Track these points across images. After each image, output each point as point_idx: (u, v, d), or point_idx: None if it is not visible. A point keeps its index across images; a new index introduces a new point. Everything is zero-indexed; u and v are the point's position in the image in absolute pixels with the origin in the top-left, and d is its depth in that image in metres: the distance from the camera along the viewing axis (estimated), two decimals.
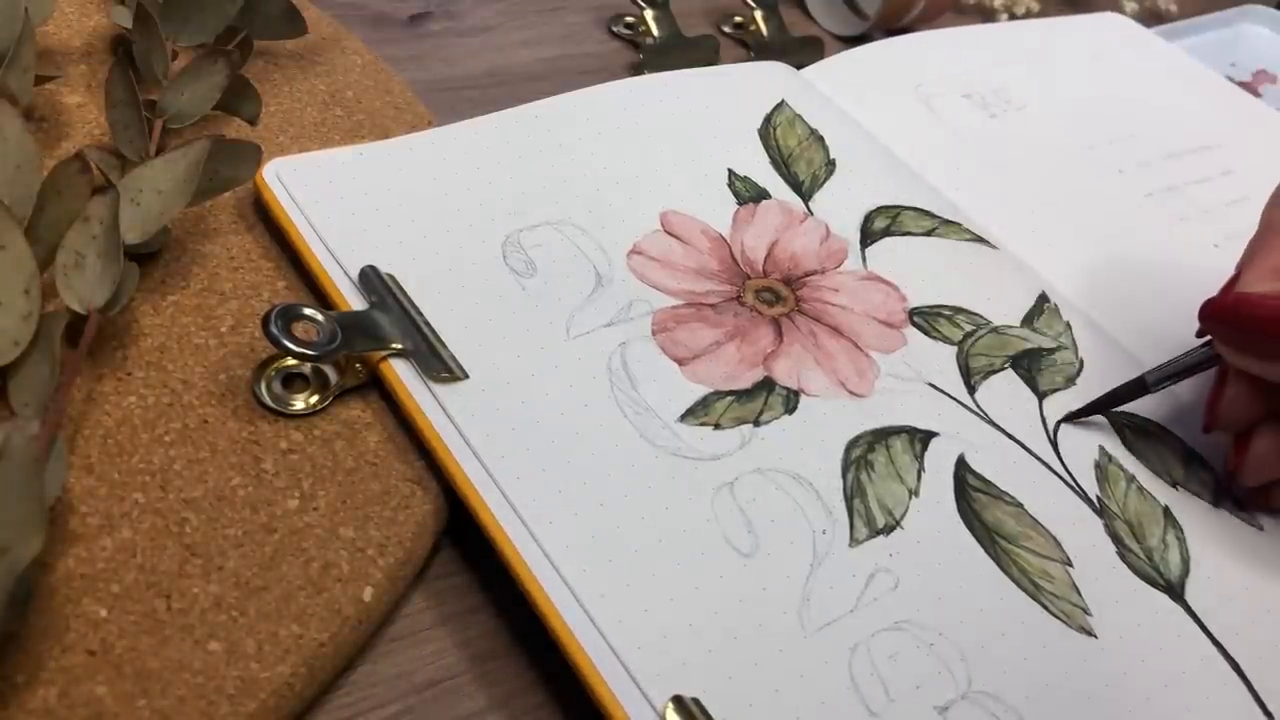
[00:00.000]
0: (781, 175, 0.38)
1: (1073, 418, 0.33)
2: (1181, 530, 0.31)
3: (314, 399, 0.28)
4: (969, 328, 0.35)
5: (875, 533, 0.28)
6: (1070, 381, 0.34)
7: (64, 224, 0.26)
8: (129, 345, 0.28)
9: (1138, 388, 0.32)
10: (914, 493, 0.29)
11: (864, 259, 0.36)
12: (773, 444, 0.29)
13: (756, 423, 0.30)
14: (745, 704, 0.24)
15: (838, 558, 0.27)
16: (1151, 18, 0.61)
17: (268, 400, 0.28)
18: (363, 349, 0.28)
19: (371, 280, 0.30)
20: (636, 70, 0.46)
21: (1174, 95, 0.50)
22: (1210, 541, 0.31)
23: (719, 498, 0.28)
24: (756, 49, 0.48)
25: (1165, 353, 0.36)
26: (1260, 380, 0.29)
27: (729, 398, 0.30)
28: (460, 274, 0.31)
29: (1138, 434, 0.33)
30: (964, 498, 0.29)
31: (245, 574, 0.24)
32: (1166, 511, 0.31)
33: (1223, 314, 0.29)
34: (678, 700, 0.23)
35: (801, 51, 0.48)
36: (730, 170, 0.38)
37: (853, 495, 0.29)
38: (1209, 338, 0.30)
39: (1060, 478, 0.31)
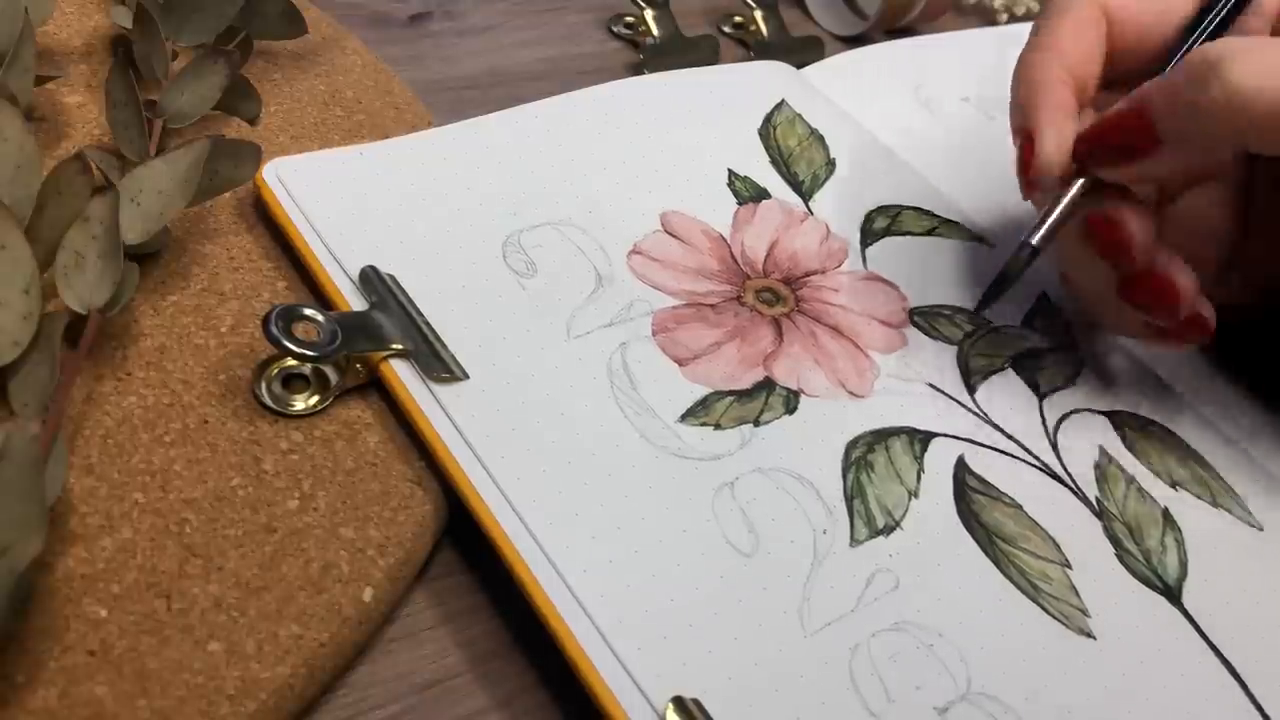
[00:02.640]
0: (781, 175, 0.38)
1: (981, 306, 0.33)
2: (1180, 532, 0.31)
3: (314, 399, 0.28)
4: (969, 328, 0.35)
5: (875, 533, 0.28)
6: (1070, 381, 0.34)
7: (64, 224, 0.26)
8: (129, 345, 0.28)
9: (1029, 254, 0.31)
10: (913, 494, 0.29)
11: (864, 259, 0.36)
12: (773, 444, 0.29)
13: (756, 423, 0.30)
14: (745, 704, 0.24)
15: (838, 558, 0.27)
16: None
17: (268, 400, 0.28)
18: (363, 349, 0.28)
19: (372, 280, 0.30)
20: (636, 70, 0.46)
21: None
22: (1209, 543, 0.31)
23: (719, 498, 0.28)
24: (756, 49, 0.48)
25: (1165, 351, 0.37)
26: (1142, 205, 0.31)
27: (729, 398, 0.30)
28: (460, 274, 0.31)
29: (1138, 435, 0.33)
30: (963, 499, 0.30)
31: (245, 574, 0.24)
32: (1165, 513, 0.31)
33: (1094, 136, 0.31)
34: (678, 700, 0.23)
35: (801, 51, 0.48)
36: (730, 170, 0.38)
37: (853, 496, 0.29)
38: (1064, 190, 0.31)
39: (1059, 479, 0.31)
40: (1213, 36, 0.32)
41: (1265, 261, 0.34)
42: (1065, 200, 0.31)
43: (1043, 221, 0.31)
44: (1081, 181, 0.31)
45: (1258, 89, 0.27)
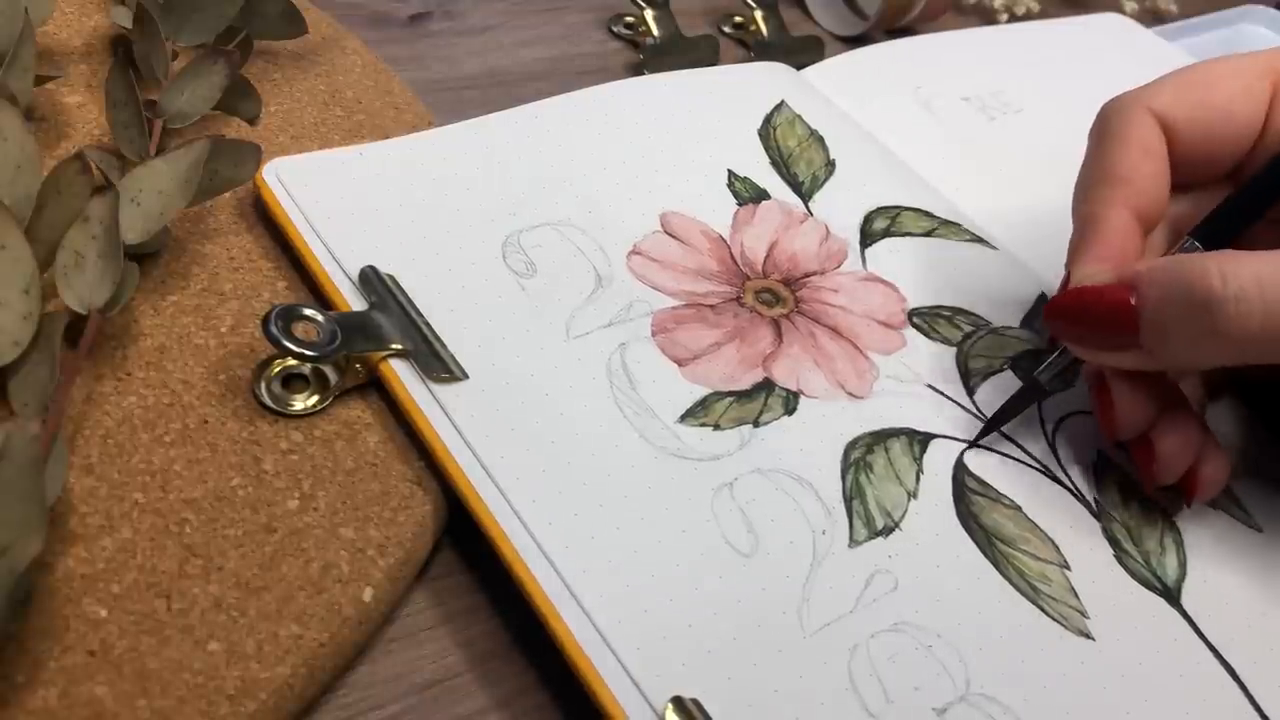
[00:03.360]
0: (781, 176, 0.38)
1: (975, 441, 0.31)
2: (1179, 533, 0.31)
3: (314, 399, 0.28)
4: (968, 329, 0.35)
5: (874, 534, 0.28)
6: (1069, 383, 0.34)
7: (64, 224, 0.26)
8: (129, 345, 0.28)
9: (1036, 392, 0.31)
10: (913, 495, 0.29)
11: (864, 260, 0.36)
12: (772, 445, 0.29)
13: (756, 423, 0.30)
14: (744, 704, 0.24)
15: (837, 559, 0.27)
16: (1151, 18, 0.61)
17: (268, 401, 0.28)
18: (363, 349, 0.28)
19: (371, 281, 0.30)
20: (636, 70, 0.46)
21: None
22: (1208, 544, 0.31)
23: (718, 498, 0.28)
24: (756, 49, 0.48)
25: None
26: (1143, 376, 0.29)
27: (728, 398, 0.30)
28: (460, 274, 0.31)
29: None
30: (962, 500, 0.30)
31: (245, 574, 0.24)
32: (1164, 514, 0.31)
33: (1064, 310, 0.29)
34: (677, 701, 0.23)
35: (801, 51, 0.48)
36: (730, 171, 0.38)
37: (852, 496, 0.29)
38: None
39: (1058, 480, 0.31)
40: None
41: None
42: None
43: (1058, 360, 0.31)
44: None
45: (1259, 323, 0.25)
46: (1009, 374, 0.34)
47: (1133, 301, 0.27)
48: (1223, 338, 0.26)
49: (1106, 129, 0.31)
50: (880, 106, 0.44)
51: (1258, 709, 0.27)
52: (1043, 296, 0.37)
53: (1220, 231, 0.30)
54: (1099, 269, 0.29)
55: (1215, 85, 0.31)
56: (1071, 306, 0.29)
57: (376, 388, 0.29)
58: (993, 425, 0.31)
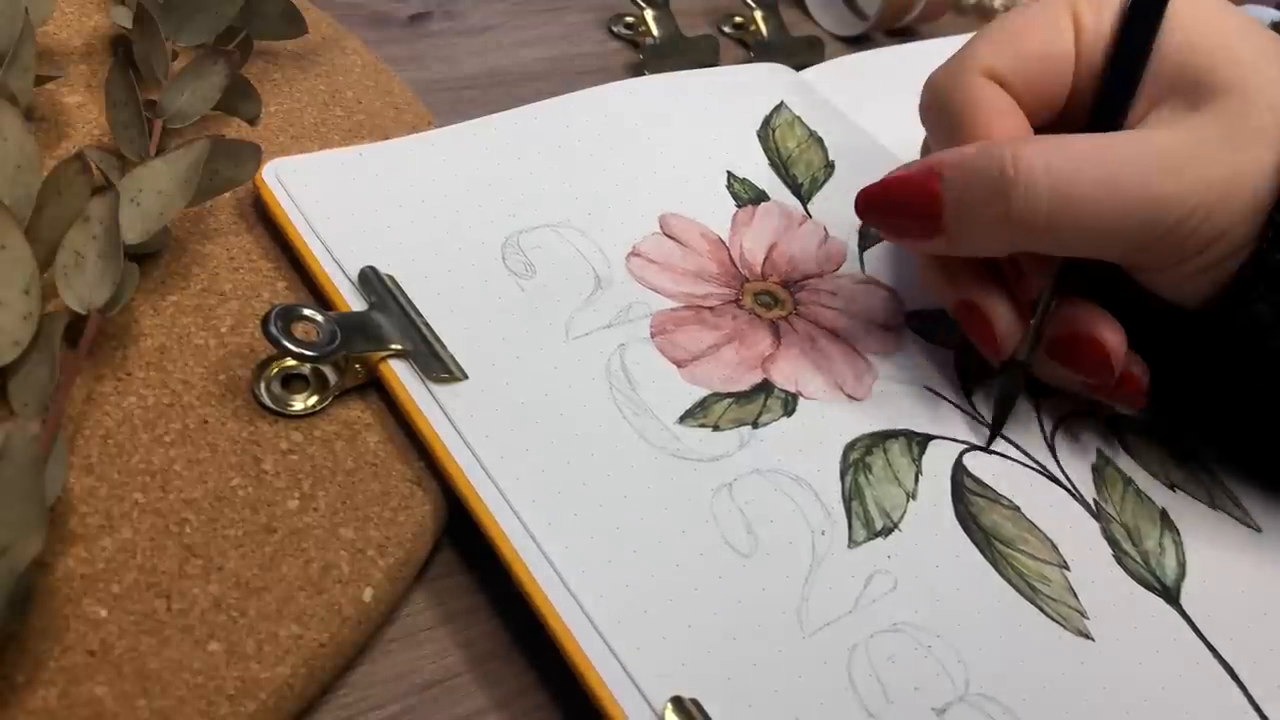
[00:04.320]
0: (781, 177, 0.38)
1: (988, 445, 0.31)
2: (1178, 533, 0.31)
3: (314, 400, 0.28)
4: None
5: (873, 535, 0.28)
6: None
7: (64, 224, 0.26)
8: (129, 345, 0.28)
9: (1021, 371, 0.31)
10: (912, 495, 0.29)
11: (862, 262, 0.36)
12: (771, 446, 0.29)
13: (755, 424, 0.30)
14: (744, 704, 0.24)
15: (836, 559, 0.27)
16: None
17: (267, 401, 0.28)
18: (362, 350, 0.28)
19: (371, 281, 0.30)
20: (636, 70, 0.46)
21: None
22: (1207, 544, 0.31)
23: (718, 499, 0.28)
24: (756, 49, 0.48)
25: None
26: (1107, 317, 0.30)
27: (728, 400, 0.30)
28: (460, 275, 0.31)
29: (1136, 436, 0.33)
30: (961, 501, 0.30)
31: (245, 574, 0.24)
32: (1164, 514, 0.31)
33: (874, 199, 0.30)
34: (677, 701, 0.23)
35: (801, 51, 0.48)
36: (729, 172, 0.38)
37: (851, 497, 0.29)
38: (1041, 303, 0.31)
39: (1057, 481, 0.31)
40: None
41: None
42: (1039, 311, 0.31)
43: (1031, 330, 0.31)
44: (1049, 289, 0.30)
45: (1046, 208, 0.27)
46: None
47: (938, 189, 0.28)
48: (1015, 224, 0.27)
49: (951, 103, 0.31)
50: (880, 108, 0.44)
51: (1257, 709, 0.27)
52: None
53: None
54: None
55: (1025, 34, 0.31)
56: (880, 195, 0.30)
57: (376, 388, 0.29)
58: (998, 425, 0.32)
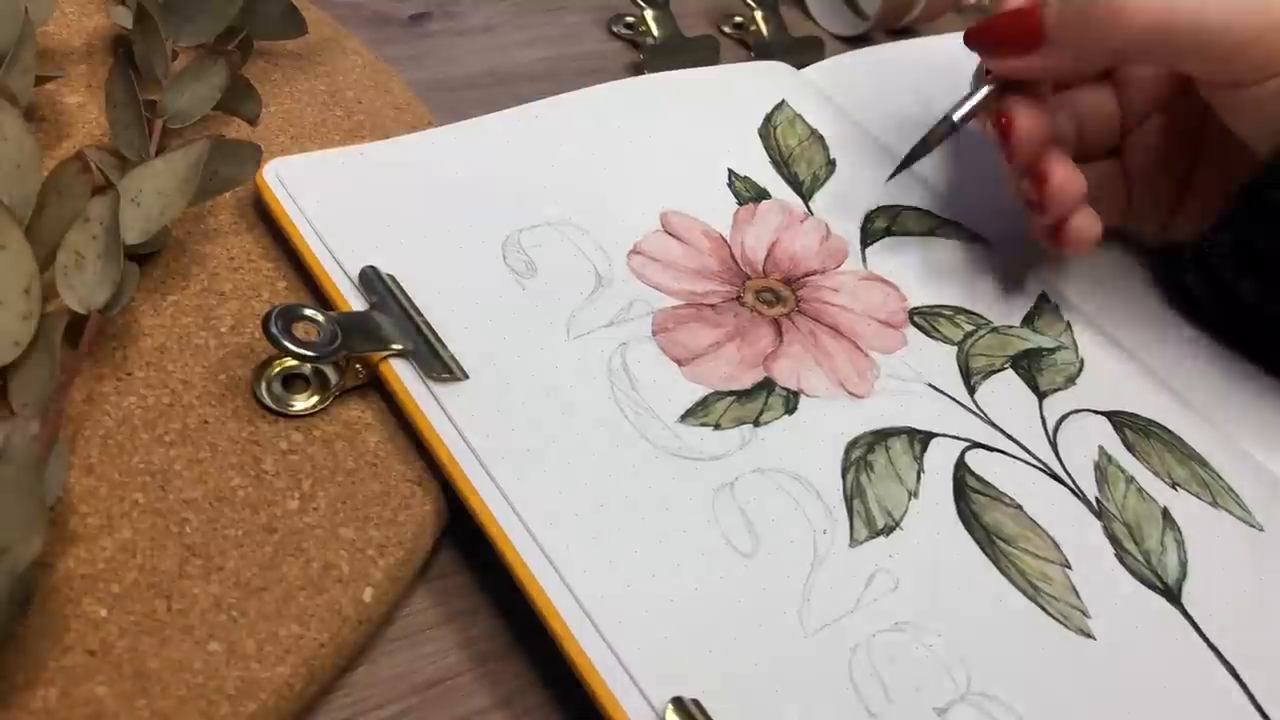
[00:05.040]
0: (782, 175, 0.38)
1: (894, 174, 0.36)
2: (1180, 532, 0.31)
3: (314, 399, 0.28)
4: (969, 328, 0.35)
5: (875, 533, 0.28)
6: (1070, 381, 0.34)
7: (64, 224, 0.26)
8: (129, 345, 0.28)
9: (947, 126, 0.35)
10: (913, 494, 0.29)
11: (864, 259, 0.36)
12: (773, 444, 0.29)
13: (756, 423, 0.30)
14: (745, 704, 0.24)
15: (838, 558, 0.27)
16: None
17: (268, 401, 0.28)
18: (363, 349, 0.28)
19: (371, 281, 0.30)
20: (636, 70, 0.46)
21: None
22: (1209, 543, 0.31)
23: (719, 498, 0.28)
24: (756, 49, 0.48)
25: (1166, 350, 0.37)
26: (1038, 104, 0.33)
27: (729, 398, 0.30)
28: (460, 274, 0.31)
29: (1138, 434, 0.33)
30: (963, 499, 0.30)
31: (245, 574, 0.24)
32: (1165, 513, 0.31)
33: (981, 31, 0.34)
34: (677, 701, 0.23)
35: (801, 51, 0.48)
36: (730, 170, 0.38)
37: (852, 496, 0.29)
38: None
39: (1059, 479, 0.31)
40: None
41: (1214, 191, 0.36)
42: (987, 84, 0.34)
43: (965, 101, 0.35)
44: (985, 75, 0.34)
45: (1139, 7, 0.29)
46: (1011, 373, 0.34)
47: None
48: (1112, 17, 0.30)
49: None
50: (880, 106, 0.44)
51: (1258, 708, 0.27)
52: (1043, 295, 0.37)
53: None
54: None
55: None
56: (992, 23, 0.33)
57: (376, 388, 0.29)
58: (907, 162, 0.35)
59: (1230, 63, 0.30)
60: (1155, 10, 0.29)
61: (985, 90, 0.34)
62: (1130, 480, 0.31)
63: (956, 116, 0.35)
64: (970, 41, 0.34)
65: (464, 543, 0.28)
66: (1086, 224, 0.34)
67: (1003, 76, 0.34)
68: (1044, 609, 0.28)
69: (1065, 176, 0.33)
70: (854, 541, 0.28)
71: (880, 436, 0.30)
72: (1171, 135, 0.37)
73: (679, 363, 0.31)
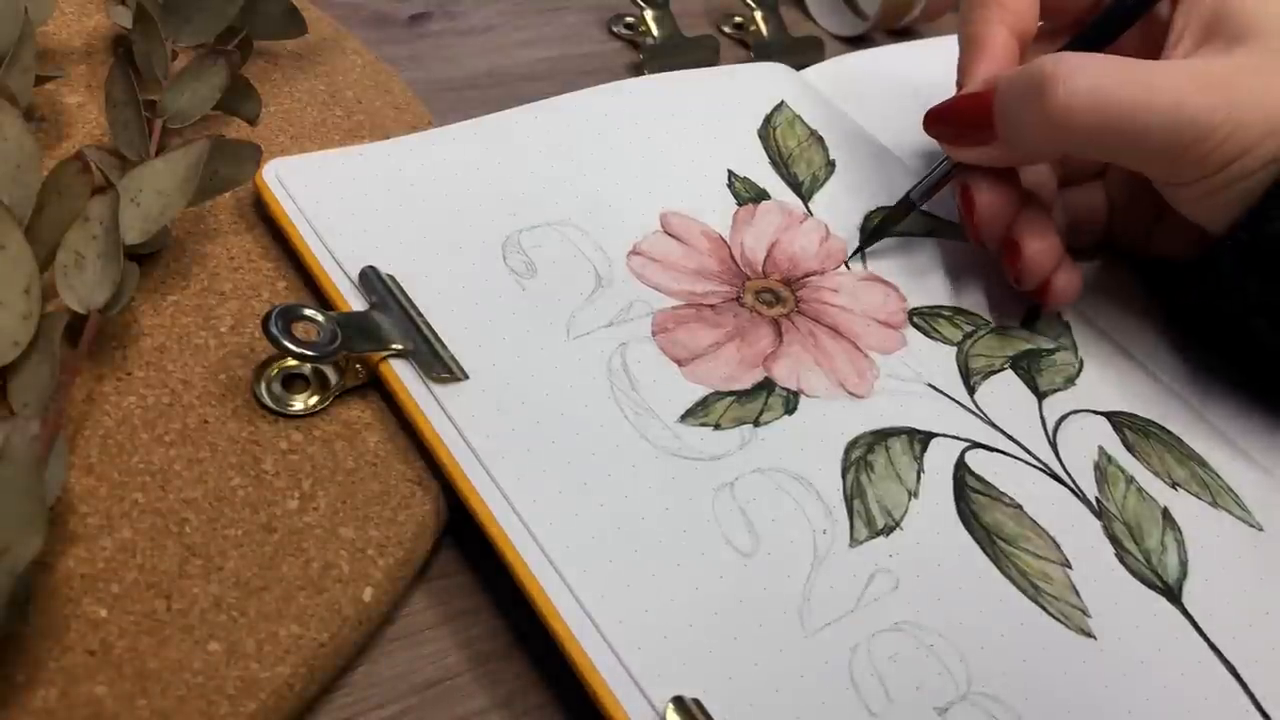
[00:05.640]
0: (781, 176, 0.38)
1: (852, 255, 0.36)
2: (1180, 532, 0.31)
3: (314, 399, 0.28)
4: (969, 328, 0.35)
5: (875, 533, 0.28)
6: (1070, 382, 0.34)
7: (64, 224, 0.26)
8: (129, 345, 0.28)
9: (905, 206, 0.36)
10: (913, 494, 0.29)
11: (864, 259, 0.36)
12: (773, 444, 0.29)
13: (756, 423, 0.30)
14: (745, 704, 0.24)
15: (838, 558, 0.27)
16: None
17: (268, 401, 0.28)
18: (363, 349, 0.28)
19: (371, 281, 0.30)
20: (636, 70, 0.46)
21: None
22: (1209, 543, 0.31)
23: (719, 498, 0.28)
24: (756, 49, 0.48)
25: (1166, 352, 0.37)
26: (1003, 180, 0.34)
27: (729, 398, 0.30)
28: (460, 274, 0.31)
29: (1138, 435, 0.33)
30: (963, 499, 0.30)
31: (245, 574, 0.24)
32: (1165, 513, 0.31)
33: (939, 115, 0.34)
34: (678, 700, 0.23)
35: (801, 52, 0.48)
36: (730, 171, 0.38)
37: (852, 496, 0.29)
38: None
39: (1059, 479, 0.31)
40: (1120, 21, 0.34)
41: (1136, 229, 0.38)
42: (944, 161, 0.35)
43: (925, 178, 0.35)
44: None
45: (1084, 108, 0.29)
46: (1010, 373, 0.34)
47: (990, 98, 0.32)
48: (1056, 123, 0.30)
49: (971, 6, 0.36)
50: (880, 107, 0.44)
51: (1259, 708, 0.27)
52: None
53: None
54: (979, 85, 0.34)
55: None
56: (946, 111, 0.34)
57: (376, 388, 0.29)
58: (868, 241, 0.36)
59: (1169, 169, 0.31)
60: (1099, 109, 0.29)
61: (944, 167, 0.35)
62: (1130, 480, 0.31)
63: (915, 195, 0.35)
64: (928, 128, 0.34)
65: (464, 543, 0.28)
66: (1067, 281, 0.34)
67: (962, 160, 0.34)
68: (1044, 609, 0.28)
69: (1038, 249, 0.33)
70: (854, 541, 0.28)
71: (880, 437, 0.30)
72: (1095, 187, 0.38)
73: (679, 363, 0.31)
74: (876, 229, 0.36)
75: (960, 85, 0.35)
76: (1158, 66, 0.30)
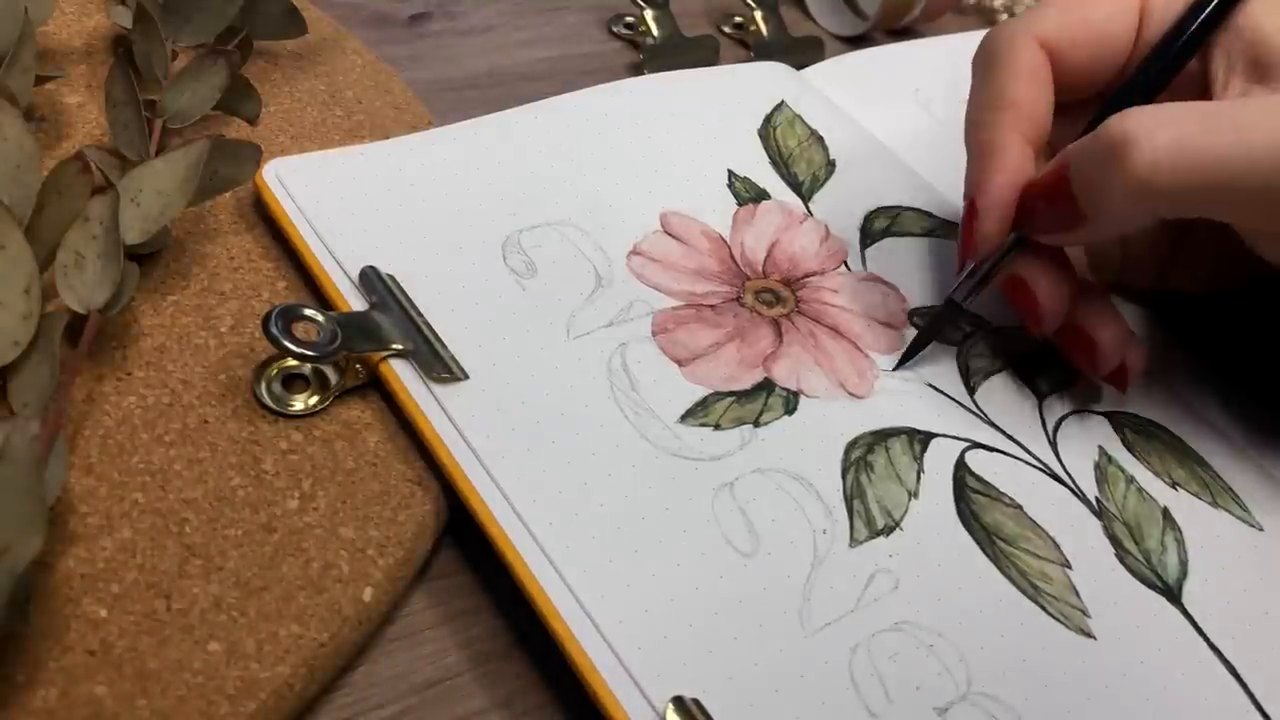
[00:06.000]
0: (781, 176, 0.38)
1: (902, 362, 0.33)
2: (1180, 532, 0.31)
3: (314, 399, 0.28)
4: (969, 328, 0.35)
5: (875, 534, 0.28)
6: (1070, 382, 0.34)
7: (64, 224, 0.26)
8: (129, 345, 0.28)
9: (954, 309, 0.33)
10: (913, 494, 0.29)
11: (864, 259, 0.36)
12: (773, 445, 0.29)
13: (756, 423, 0.30)
14: (745, 704, 0.24)
15: (838, 558, 0.27)
16: None
17: (268, 401, 0.28)
18: (363, 349, 0.28)
19: (372, 281, 0.30)
20: (636, 70, 0.46)
21: None
22: (1209, 543, 0.31)
23: (719, 498, 0.28)
24: (756, 49, 0.48)
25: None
26: (1056, 264, 0.31)
27: (729, 398, 0.30)
28: (460, 274, 0.31)
29: (1138, 434, 0.33)
30: (963, 499, 0.30)
31: (245, 574, 0.24)
32: (1165, 513, 0.31)
33: (1031, 198, 0.31)
34: (678, 700, 0.23)
35: (801, 51, 0.48)
36: (730, 171, 0.38)
37: (852, 496, 0.29)
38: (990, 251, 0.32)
39: (1059, 479, 0.31)
40: (1162, 74, 0.32)
41: (1209, 251, 0.35)
42: (989, 260, 0.32)
43: (970, 278, 0.32)
44: (1007, 240, 0.31)
45: (1172, 166, 0.26)
46: (1010, 373, 0.34)
47: (1066, 177, 0.29)
48: (1140, 188, 0.27)
49: (995, 57, 0.32)
50: (880, 107, 0.44)
51: (1259, 708, 0.27)
52: None
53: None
54: (1010, 191, 0.31)
55: (1093, 5, 0.33)
56: (1031, 195, 0.31)
57: (376, 388, 0.29)
58: (915, 349, 0.33)
59: (1267, 218, 0.27)
60: (1189, 163, 0.26)
61: (987, 263, 0.32)
62: (1130, 480, 0.31)
63: (958, 296, 0.32)
64: (1020, 220, 0.31)
65: (464, 543, 0.28)
66: (1137, 358, 0.32)
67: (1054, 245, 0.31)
68: (1044, 609, 0.28)
69: (1109, 336, 0.31)
70: (854, 541, 0.28)
71: (880, 437, 0.30)
72: (1144, 236, 0.35)
73: (679, 363, 0.31)
74: (920, 337, 0.33)
75: (970, 198, 0.32)
76: (1233, 107, 0.28)
